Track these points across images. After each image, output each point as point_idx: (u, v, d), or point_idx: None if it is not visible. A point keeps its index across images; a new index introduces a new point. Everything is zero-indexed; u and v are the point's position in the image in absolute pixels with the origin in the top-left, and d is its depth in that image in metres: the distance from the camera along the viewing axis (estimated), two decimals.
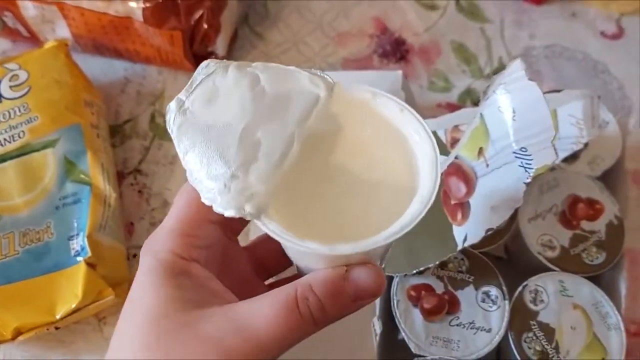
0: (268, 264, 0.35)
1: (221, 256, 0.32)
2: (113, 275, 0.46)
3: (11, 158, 0.47)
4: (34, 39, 0.57)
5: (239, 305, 0.27)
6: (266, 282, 0.35)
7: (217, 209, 0.25)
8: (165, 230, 0.29)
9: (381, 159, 0.30)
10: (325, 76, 0.28)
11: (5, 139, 0.47)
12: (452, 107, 0.59)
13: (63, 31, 0.55)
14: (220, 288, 0.29)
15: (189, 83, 0.28)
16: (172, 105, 0.28)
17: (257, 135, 0.26)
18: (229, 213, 0.25)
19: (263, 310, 0.26)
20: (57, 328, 0.45)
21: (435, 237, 0.43)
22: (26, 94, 0.49)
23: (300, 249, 0.25)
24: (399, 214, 0.26)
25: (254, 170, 0.26)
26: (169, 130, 0.27)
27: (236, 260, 0.34)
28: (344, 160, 0.29)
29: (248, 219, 0.25)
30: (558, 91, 0.46)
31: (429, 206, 0.26)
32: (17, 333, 0.43)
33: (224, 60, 0.29)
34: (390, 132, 0.29)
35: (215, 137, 0.26)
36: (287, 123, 0.27)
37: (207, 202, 0.25)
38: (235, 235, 0.33)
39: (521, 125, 0.38)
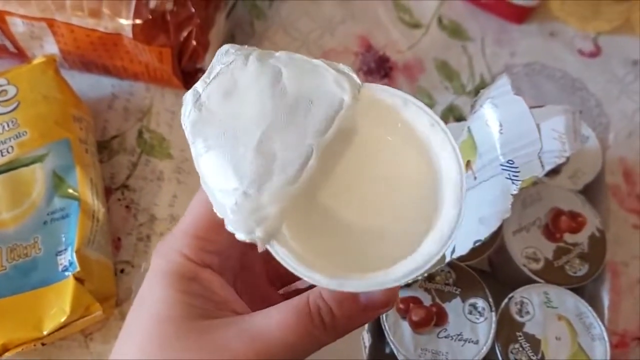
0: (282, 272, 0.34)
1: (238, 263, 0.31)
2: (100, 291, 0.46)
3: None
4: (21, 55, 0.57)
5: (252, 316, 0.27)
6: (280, 291, 0.35)
7: (228, 227, 0.24)
8: (178, 232, 0.28)
9: (403, 175, 0.27)
10: (352, 75, 0.26)
11: None
12: None
13: (51, 47, 0.55)
14: (232, 297, 0.28)
15: (207, 71, 0.27)
16: (188, 97, 0.26)
17: (273, 146, 0.25)
18: (240, 236, 0.24)
19: (274, 317, 0.26)
20: (43, 344, 0.45)
21: None
22: (15, 109, 0.48)
23: (310, 281, 0.24)
24: (415, 242, 0.24)
25: (267, 188, 0.24)
26: (182, 125, 0.26)
27: (252, 267, 0.33)
28: (362, 171, 0.27)
29: (258, 244, 0.24)
30: (540, 106, 0.47)
31: (447, 246, 0.24)
32: (4, 349, 0.43)
33: (245, 46, 0.27)
34: (416, 145, 0.27)
35: (231, 144, 0.25)
36: (306, 133, 0.25)
37: (218, 215, 0.24)
38: None
39: (508, 138, 0.39)
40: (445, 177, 0.25)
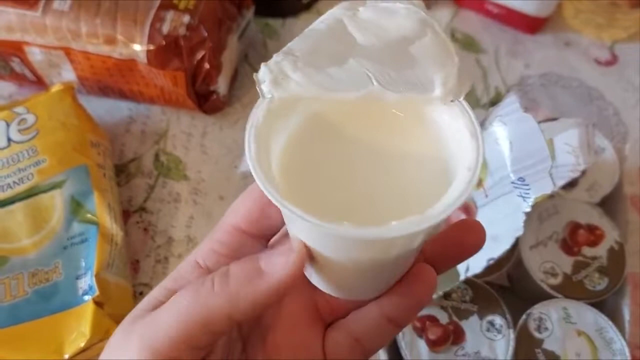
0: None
1: None
2: (120, 314, 0.47)
3: (20, 200, 0.48)
4: (40, 83, 0.58)
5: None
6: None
7: (260, 70, 0.24)
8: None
9: (417, 148, 0.26)
10: (464, 88, 0.25)
11: (14, 182, 0.48)
12: None
13: (69, 74, 0.56)
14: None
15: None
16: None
17: (350, 60, 0.24)
18: (258, 73, 0.24)
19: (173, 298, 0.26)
20: None
21: None
22: (34, 137, 0.50)
23: (300, 220, 0.22)
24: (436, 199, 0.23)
25: (309, 70, 0.24)
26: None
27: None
28: (378, 141, 0.27)
29: (259, 90, 0.24)
30: (554, 119, 0.47)
31: (475, 178, 0.23)
32: None
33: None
34: (431, 121, 0.26)
35: (327, 39, 0.25)
36: (382, 74, 0.24)
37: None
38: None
39: (518, 156, 0.39)
40: (456, 130, 0.25)
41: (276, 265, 0.24)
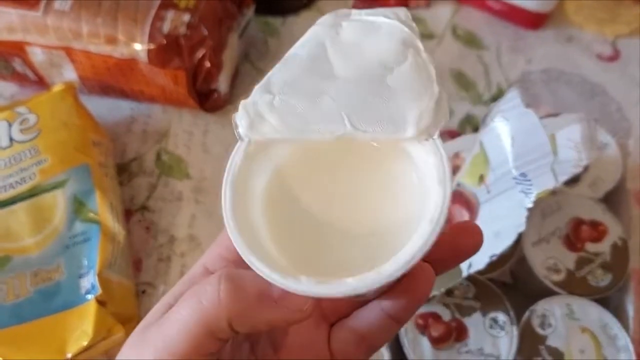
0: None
1: None
2: (122, 312, 0.47)
3: (22, 199, 0.48)
4: (41, 82, 0.58)
5: None
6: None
7: (239, 109, 0.25)
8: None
9: (389, 183, 0.27)
10: (438, 125, 0.24)
11: (16, 181, 0.48)
12: (452, 134, 0.60)
13: (70, 74, 0.56)
14: None
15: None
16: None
17: (326, 93, 0.25)
18: (236, 113, 0.25)
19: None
20: None
21: None
22: (36, 136, 0.50)
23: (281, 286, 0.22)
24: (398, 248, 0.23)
25: (284, 109, 0.24)
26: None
27: None
28: (357, 170, 0.27)
29: (236, 133, 0.25)
30: (555, 115, 0.46)
31: (438, 228, 0.22)
32: None
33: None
34: (405, 157, 0.26)
35: (302, 71, 0.25)
36: (353, 110, 0.24)
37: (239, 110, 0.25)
38: None
39: (520, 151, 0.39)
40: (427, 166, 0.25)
41: (292, 301, 0.24)
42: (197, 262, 0.29)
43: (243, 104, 0.25)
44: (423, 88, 0.24)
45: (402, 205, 0.26)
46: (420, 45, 0.25)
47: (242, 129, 0.25)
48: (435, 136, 0.24)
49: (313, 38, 0.26)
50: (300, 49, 0.26)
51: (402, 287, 0.27)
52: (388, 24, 0.26)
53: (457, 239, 0.28)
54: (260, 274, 0.22)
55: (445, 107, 0.24)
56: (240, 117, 0.25)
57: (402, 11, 0.26)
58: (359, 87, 0.25)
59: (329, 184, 0.27)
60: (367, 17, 0.26)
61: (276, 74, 0.25)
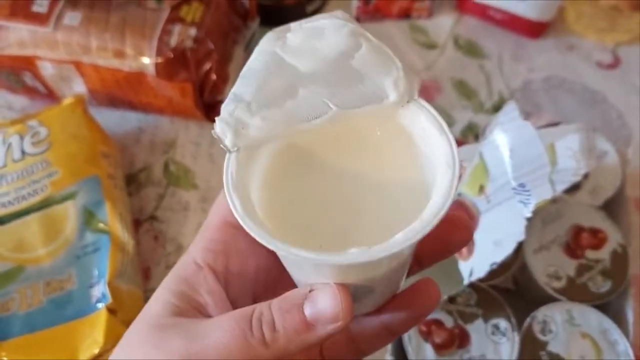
0: None
1: (265, 278, 0.30)
2: (132, 320, 0.48)
3: (34, 211, 0.49)
4: (51, 96, 0.60)
5: (204, 320, 0.26)
6: None
7: (216, 125, 0.24)
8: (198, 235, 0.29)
9: (393, 159, 0.27)
10: (415, 87, 0.26)
11: (28, 193, 0.49)
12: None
13: (79, 87, 0.58)
14: (213, 302, 0.27)
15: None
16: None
17: (301, 89, 0.25)
18: (216, 129, 0.24)
19: (217, 322, 0.25)
20: None
21: (442, 272, 0.44)
22: (47, 149, 0.51)
23: (295, 258, 0.22)
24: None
25: (267, 112, 0.25)
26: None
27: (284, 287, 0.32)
28: (354, 161, 0.27)
29: (224, 146, 0.24)
30: (555, 125, 0.47)
31: (449, 201, 0.22)
32: None
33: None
34: (399, 129, 0.26)
35: (269, 75, 0.25)
36: (334, 95, 0.25)
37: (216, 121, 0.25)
38: None
39: (518, 163, 0.39)
40: (434, 148, 0.25)
41: (325, 316, 0.24)
42: (183, 256, 0.29)
43: (219, 119, 0.25)
44: (387, 63, 0.25)
45: (409, 178, 0.26)
46: (367, 33, 0.26)
47: (227, 141, 0.24)
48: (416, 97, 0.25)
49: (263, 52, 0.26)
50: (254, 63, 0.26)
51: (406, 301, 0.28)
52: (330, 23, 0.26)
53: (447, 232, 0.28)
54: (296, 257, 0.22)
55: (412, 74, 0.26)
56: (222, 131, 0.24)
57: (339, 12, 0.27)
58: (330, 76, 0.25)
59: (325, 174, 0.27)
60: (308, 24, 0.27)
61: (240, 88, 0.25)
